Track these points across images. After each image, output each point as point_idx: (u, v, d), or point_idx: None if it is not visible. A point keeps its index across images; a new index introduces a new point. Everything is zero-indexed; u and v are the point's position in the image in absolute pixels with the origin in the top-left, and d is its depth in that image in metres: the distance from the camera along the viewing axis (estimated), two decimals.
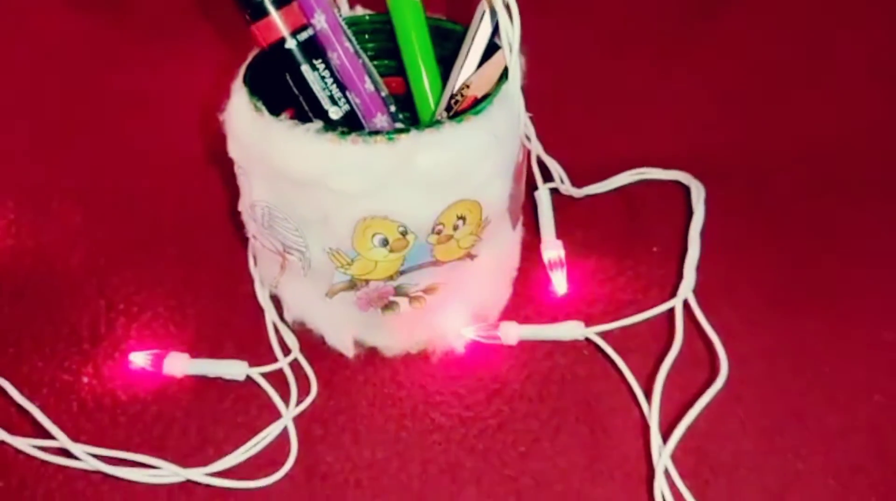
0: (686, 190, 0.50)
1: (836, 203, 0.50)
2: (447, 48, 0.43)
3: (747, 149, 0.54)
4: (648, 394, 0.39)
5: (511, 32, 0.38)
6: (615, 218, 0.50)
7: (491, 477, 0.37)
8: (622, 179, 0.51)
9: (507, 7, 0.37)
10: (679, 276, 0.44)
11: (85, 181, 0.52)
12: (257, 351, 0.42)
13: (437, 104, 0.43)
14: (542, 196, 0.48)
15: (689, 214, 0.48)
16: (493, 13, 0.39)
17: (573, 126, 0.55)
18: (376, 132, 0.35)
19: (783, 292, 0.45)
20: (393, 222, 0.36)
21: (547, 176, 0.49)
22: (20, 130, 0.56)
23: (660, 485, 0.35)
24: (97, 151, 0.54)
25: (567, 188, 0.49)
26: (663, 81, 0.61)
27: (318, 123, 0.35)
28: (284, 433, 0.39)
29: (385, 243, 0.37)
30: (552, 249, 0.46)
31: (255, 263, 0.46)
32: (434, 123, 0.35)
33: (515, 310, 0.44)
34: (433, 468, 0.37)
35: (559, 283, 0.45)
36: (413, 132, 0.35)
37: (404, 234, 0.37)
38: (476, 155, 0.37)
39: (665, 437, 0.37)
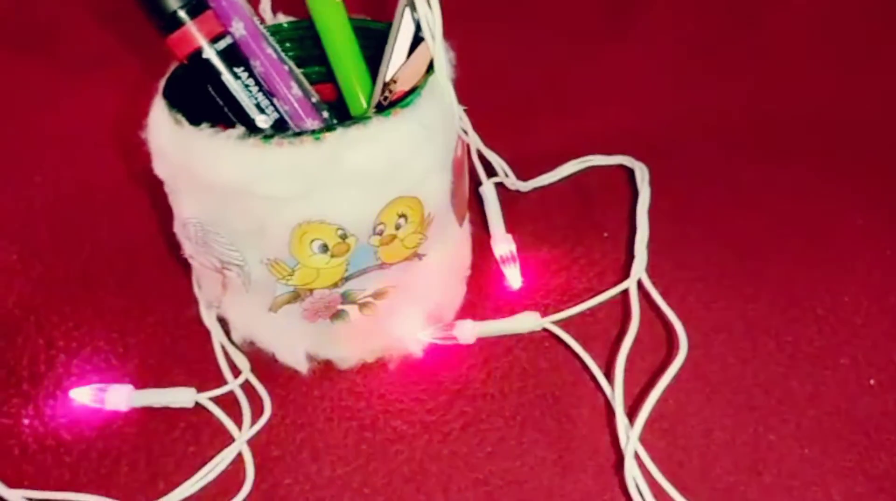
0: (631, 173, 0.50)
1: (775, 171, 0.50)
2: (374, 48, 0.42)
3: (684, 126, 0.54)
4: (610, 379, 0.38)
5: (432, 22, 0.37)
6: (564, 208, 0.49)
7: (458, 482, 0.36)
8: (568, 169, 0.50)
9: None
10: (631, 258, 0.43)
11: (17, 220, 0.50)
12: (206, 376, 0.40)
13: (369, 105, 0.42)
14: (488, 191, 0.47)
15: (636, 196, 0.47)
16: (414, 6, 0.39)
17: (511, 119, 0.54)
18: (301, 132, 0.34)
19: (734, 264, 0.44)
20: (330, 225, 0.35)
21: (490, 171, 0.48)
22: None
23: (631, 471, 0.34)
24: (27, 189, 0.52)
25: (513, 182, 0.48)
26: (596, 67, 0.60)
27: (240, 129, 0.34)
28: (239, 459, 0.37)
29: (325, 248, 0.35)
30: (503, 243, 0.45)
31: (199, 285, 0.44)
32: (361, 118, 0.34)
33: (471, 308, 0.43)
34: (398, 478, 0.36)
35: (513, 277, 0.44)
36: (340, 129, 0.33)
37: (344, 237, 0.35)
38: (408, 148, 0.35)
39: (632, 421, 0.36)
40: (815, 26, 0.64)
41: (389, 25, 0.41)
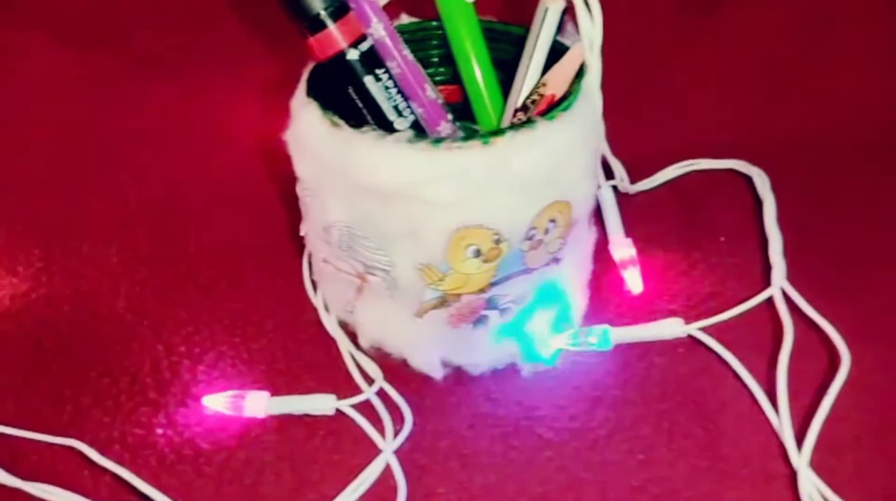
0: (739, 177, 0.50)
1: (881, 178, 0.50)
2: (501, 51, 0.42)
3: (787, 128, 0.54)
4: (768, 391, 0.38)
5: (591, 28, 0.36)
6: (673, 212, 0.49)
7: (616, 491, 0.35)
8: (673, 172, 0.50)
9: (586, 2, 0.36)
10: (760, 264, 0.43)
11: (115, 221, 0.48)
12: (336, 382, 0.40)
13: (497, 110, 0.41)
14: (606, 195, 0.46)
15: (751, 201, 0.47)
16: (561, 12, 0.38)
17: (613, 122, 0.53)
18: (470, 136, 0.33)
19: (862, 270, 0.44)
20: (488, 230, 0.34)
21: (608, 175, 0.48)
22: (37, 173, 0.53)
23: (807, 489, 0.34)
24: (122, 189, 0.51)
25: (624, 186, 0.48)
26: (691, 70, 0.60)
27: (409, 132, 0.33)
28: (387, 468, 0.36)
29: (478, 253, 0.35)
30: (623, 247, 0.45)
31: (315, 289, 0.43)
32: (527, 122, 0.34)
33: (595, 314, 0.42)
34: (554, 487, 0.35)
35: (634, 282, 0.44)
36: (509, 133, 0.33)
37: (498, 242, 0.35)
38: (568, 153, 0.35)
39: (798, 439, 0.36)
40: None
41: (520, 28, 0.40)
